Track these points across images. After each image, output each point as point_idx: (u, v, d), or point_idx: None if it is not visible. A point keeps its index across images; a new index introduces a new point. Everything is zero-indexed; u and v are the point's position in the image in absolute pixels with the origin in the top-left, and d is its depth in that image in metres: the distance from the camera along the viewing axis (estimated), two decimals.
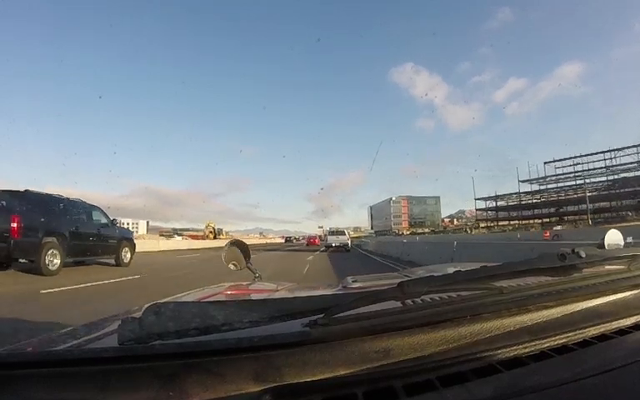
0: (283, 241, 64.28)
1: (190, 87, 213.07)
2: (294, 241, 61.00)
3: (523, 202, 59.22)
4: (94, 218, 9.17)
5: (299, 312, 0.48)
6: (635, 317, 0.61)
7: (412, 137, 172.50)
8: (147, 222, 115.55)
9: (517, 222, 60.59)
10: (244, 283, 1.28)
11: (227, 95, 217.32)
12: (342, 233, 22.48)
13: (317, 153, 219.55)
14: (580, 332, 0.56)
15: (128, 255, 10.07)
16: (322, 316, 0.47)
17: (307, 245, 31.86)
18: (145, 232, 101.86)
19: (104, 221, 9.49)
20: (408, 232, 75.89)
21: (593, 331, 0.57)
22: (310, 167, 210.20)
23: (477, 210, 69.48)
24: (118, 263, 9.57)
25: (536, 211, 57.93)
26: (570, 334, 0.55)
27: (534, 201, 58.20)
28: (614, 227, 0.96)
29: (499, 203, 65.37)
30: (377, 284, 1.04)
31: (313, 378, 0.44)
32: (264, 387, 0.42)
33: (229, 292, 1.10)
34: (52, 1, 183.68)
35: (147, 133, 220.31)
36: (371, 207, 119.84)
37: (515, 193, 61.10)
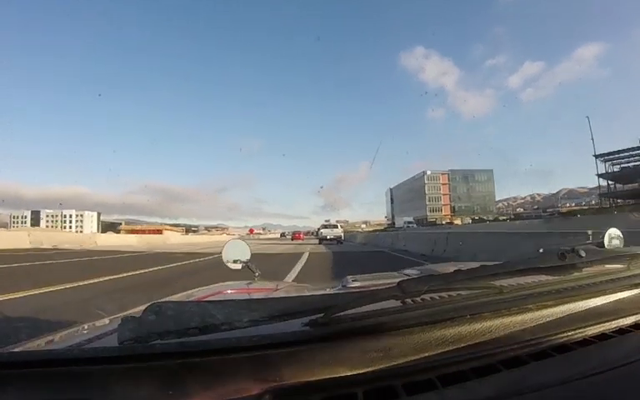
0: (279, 236, 63.38)
1: (199, 84, 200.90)
2: (286, 235, 59.78)
3: None
4: None
5: (299, 312, 0.48)
6: (635, 316, 0.61)
7: (423, 129, 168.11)
8: (98, 215, 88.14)
9: None
10: (244, 283, 1.27)
11: (237, 92, 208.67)
12: (335, 227, 23.60)
13: (327, 148, 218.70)
14: (580, 331, 0.56)
15: None
16: (322, 315, 0.47)
17: (293, 240, 32.18)
18: (95, 229, 73.86)
19: None
20: (461, 222, 46.84)
21: (593, 330, 0.57)
22: (319, 163, 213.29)
23: (600, 176, 39.17)
24: None
25: None
26: (570, 333, 0.55)
27: None
28: None
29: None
30: (377, 283, 1.02)
31: (313, 378, 0.44)
32: (264, 387, 0.42)
33: (229, 292, 1.11)
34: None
35: (158, 131, 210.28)
36: (391, 190, 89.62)
37: None
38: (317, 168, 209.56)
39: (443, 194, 71.25)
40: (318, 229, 25.13)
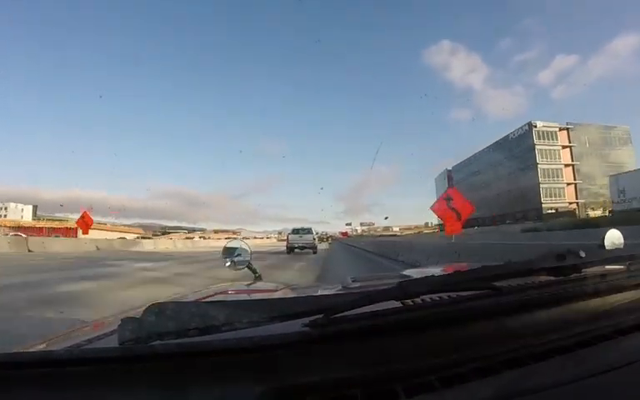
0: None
1: (217, 86, 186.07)
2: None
3: None
4: None
5: (299, 313, 0.48)
6: (634, 317, 0.60)
7: (447, 131, 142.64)
8: (34, 208, 63.76)
9: None
10: (244, 283, 1.28)
11: (254, 94, 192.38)
12: (308, 232, 18.98)
13: (349, 151, 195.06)
14: (580, 332, 0.56)
15: None
16: (322, 316, 0.47)
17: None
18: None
19: None
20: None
21: (593, 331, 0.57)
22: (339, 167, 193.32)
23: None
24: None
25: None
26: (570, 334, 0.55)
27: None
28: None
29: None
30: (377, 284, 1.02)
31: (313, 379, 0.44)
32: (264, 388, 0.42)
33: (229, 292, 1.12)
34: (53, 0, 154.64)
35: (175, 135, 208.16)
36: (449, 172, 58.61)
37: None
38: (337, 172, 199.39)
39: (565, 165, 38.76)
40: (287, 235, 19.26)
